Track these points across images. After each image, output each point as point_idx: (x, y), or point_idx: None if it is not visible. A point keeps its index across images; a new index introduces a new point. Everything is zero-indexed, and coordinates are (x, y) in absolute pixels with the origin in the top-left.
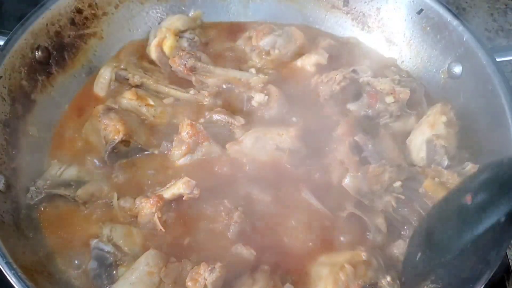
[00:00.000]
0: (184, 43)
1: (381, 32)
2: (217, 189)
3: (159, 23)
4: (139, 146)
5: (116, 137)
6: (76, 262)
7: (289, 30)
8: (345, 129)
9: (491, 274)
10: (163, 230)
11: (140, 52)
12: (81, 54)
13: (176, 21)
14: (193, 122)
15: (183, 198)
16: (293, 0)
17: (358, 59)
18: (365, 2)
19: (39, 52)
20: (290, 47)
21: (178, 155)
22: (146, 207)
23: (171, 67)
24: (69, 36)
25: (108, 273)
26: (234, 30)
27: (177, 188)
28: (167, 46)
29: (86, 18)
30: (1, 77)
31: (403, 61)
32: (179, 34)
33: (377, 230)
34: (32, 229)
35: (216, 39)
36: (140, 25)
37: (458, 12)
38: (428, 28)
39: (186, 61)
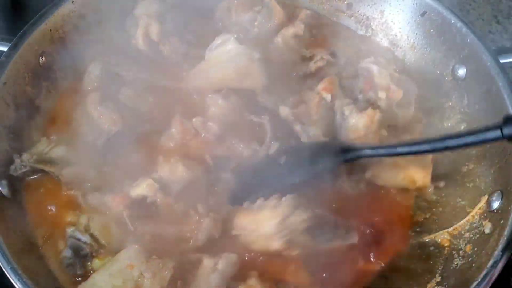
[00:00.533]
0: (169, 25)
1: (384, 35)
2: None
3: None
4: (134, 138)
5: (112, 128)
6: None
7: (269, 4)
8: (326, 84)
9: (497, 274)
10: (132, 228)
11: (124, 46)
12: (86, 59)
13: (152, 5)
14: (182, 120)
15: (147, 200)
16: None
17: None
18: (369, 5)
19: (43, 58)
20: (269, 25)
21: (165, 149)
22: (113, 205)
23: (160, 53)
24: (73, 42)
25: (82, 264)
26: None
27: (141, 189)
28: (155, 33)
29: (90, 23)
30: (6, 83)
31: (407, 64)
32: (161, 18)
33: None
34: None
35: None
36: None
37: (461, 14)
38: (431, 31)
39: (179, 46)
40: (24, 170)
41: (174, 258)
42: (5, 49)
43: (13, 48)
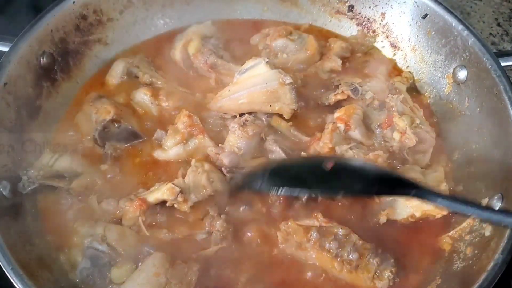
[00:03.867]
0: (209, 46)
1: (385, 37)
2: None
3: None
4: (130, 127)
5: (107, 117)
6: (73, 259)
7: (305, 38)
8: (342, 113)
9: (497, 276)
10: (147, 234)
11: (156, 51)
12: (86, 60)
13: (203, 28)
14: (191, 114)
15: (167, 204)
16: (298, 6)
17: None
18: (370, 7)
19: (44, 59)
20: (298, 56)
21: (171, 144)
22: (130, 211)
23: (192, 68)
24: (74, 42)
25: (101, 273)
26: (255, 26)
27: (161, 193)
28: (192, 47)
29: (91, 24)
30: (7, 83)
31: (408, 66)
32: (204, 39)
33: None
34: (34, 224)
35: (233, 36)
36: (145, 31)
37: (462, 16)
38: (433, 33)
39: (208, 57)
40: (32, 187)
41: (198, 261)
42: (6, 49)
43: (14, 49)
